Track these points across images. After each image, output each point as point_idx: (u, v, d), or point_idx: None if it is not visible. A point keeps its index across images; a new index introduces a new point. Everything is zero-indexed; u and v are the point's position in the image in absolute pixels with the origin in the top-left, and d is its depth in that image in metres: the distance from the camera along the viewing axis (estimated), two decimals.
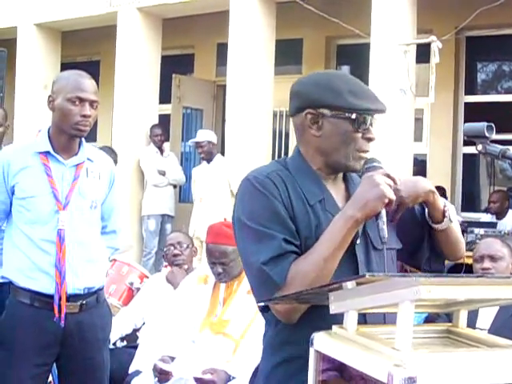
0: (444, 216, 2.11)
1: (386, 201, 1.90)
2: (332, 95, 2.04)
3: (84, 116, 3.18)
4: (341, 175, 2.16)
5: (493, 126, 1.75)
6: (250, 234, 2.01)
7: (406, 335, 1.56)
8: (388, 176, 1.94)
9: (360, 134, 2.04)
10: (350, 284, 1.70)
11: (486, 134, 1.73)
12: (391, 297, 1.60)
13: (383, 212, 1.93)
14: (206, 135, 8.46)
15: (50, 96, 3.27)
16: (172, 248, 4.97)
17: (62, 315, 3.20)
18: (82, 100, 3.18)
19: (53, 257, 3.19)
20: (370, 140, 2.06)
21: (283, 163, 2.15)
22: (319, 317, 1.93)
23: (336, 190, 2.12)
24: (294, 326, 2.02)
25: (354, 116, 2.03)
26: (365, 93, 2.06)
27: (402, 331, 1.56)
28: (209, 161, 8.48)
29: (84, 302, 3.29)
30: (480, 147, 1.74)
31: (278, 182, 2.04)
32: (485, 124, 1.74)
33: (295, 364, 2.01)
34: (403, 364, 1.50)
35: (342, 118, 2.03)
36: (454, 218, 2.11)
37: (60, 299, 3.18)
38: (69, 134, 3.23)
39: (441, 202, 2.10)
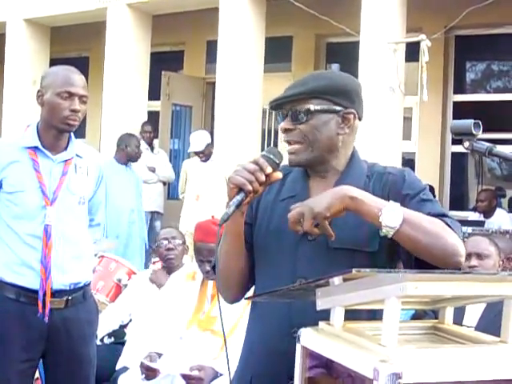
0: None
1: (231, 186, 1.95)
2: None
3: (73, 111, 3.17)
4: (335, 172, 2.14)
5: (480, 123, 1.74)
6: None
7: (392, 331, 1.56)
8: (254, 162, 1.97)
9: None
10: (336, 280, 1.70)
11: (473, 132, 1.73)
12: (378, 293, 1.59)
13: (236, 197, 1.94)
14: (202, 141, 8.25)
15: (39, 91, 3.26)
16: (166, 242, 4.93)
17: (46, 311, 3.19)
18: (71, 94, 3.17)
19: (39, 252, 3.18)
20: (281, 129, 2.13)
21: None
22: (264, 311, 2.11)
23: (321, 189, 2.10)
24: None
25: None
26: (287, 87, 2.14)
27: (388, 327, 1.56)
28: (206, 160, 8.39)
29: (70, 297, 3.28)
30: (467, 144, 1.74)
31: None
32: (472, 121, 1.74)
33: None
34: (389, 360, 1.50)
35: None
36: (395, 223, 1.88)
37: (45, 295, 3.18)
38: (57, 128, 3.22)
39: (374, 207, 1.90)
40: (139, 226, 7.32)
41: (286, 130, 2.11)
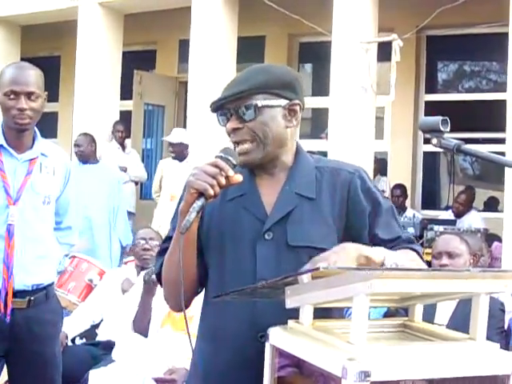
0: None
1: (192, 191, 1.87)
2: None
3: (20, 109, 3.12)
4: (283, 170, 2.09)
5: (448, 120, 1.75)
6: None
7: (361, 329, 1.55)
8: (213, 165, 1.88)
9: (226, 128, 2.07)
10: (305, 278, 1.69)
11: (441, 128, 1.73)
12: (346, 290, 1.59)
13: (196, 203, 1.86)
14: (180, 137, 8.19)
15: None
16: (142, 242, 4.92)
17: (8, 311, 3.16)
18: (16, 93, 3.11)
19: (1, 252, 3.14)
20: (228, 130, 2.06)
21: None
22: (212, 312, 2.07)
23: (269, 186, 2.09)
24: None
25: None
26: (225, 87, 2.08)
27: (357, 325, 1.56)
28: (180, 159, 8.34)
29: (32, 297, 3.24)
30: (435, 141, 1.74)
31: None
32: (440, 118, 1.74)
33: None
34: (357, 358, 1.50)
35: None
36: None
37: (7, 295, 3.14)
38: (12, 128, 3.18)
39: (379, 254, 1.86)
40: (100, 223, 7.12)
41: (233, 130, 2.03)
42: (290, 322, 1.78)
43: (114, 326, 4.30)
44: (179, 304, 1.98)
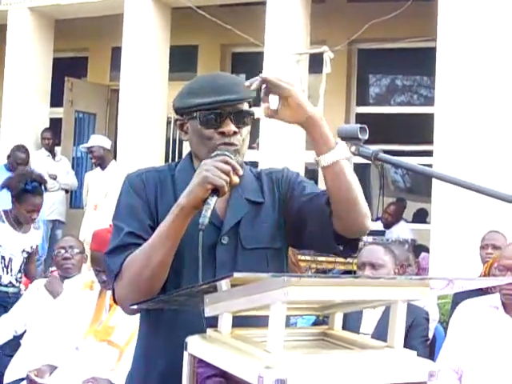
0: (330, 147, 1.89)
1: (209, 186, 1.82)
2: (177, 100, 2.09)
3: None
4: None
5: (366, 127, 1.76)
6: (112, 228, 2.10)
7: (278, 337, 1.54)
8: (225, 162, 1.86)
9: (212, 130, 2.01)
10: (224, 285, 1.67)
11: (359, 136, 1.74)
12: (263, 298, 1.57)
13: (211, 199, 1.83)
14: (97, 140, 8.29)
15: None
16: (63, 251, 4.84)
17: None
18: None
19: None
20: (223, 134, 2.01)
21: (173, 165, 2.17)
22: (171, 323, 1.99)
23: None
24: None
25: (195, 114, 2.03)
26: (206, 88, 2.04)
27: (274, 333, 1.54)
28: (103, 167, 8.30)
29: None
30: (353, 149, 1.75)
31: (147, 181, 2.08)
32: (357, 126, 1.75)
33: None
34: (274, 366, 1.49)
35: (190, 118, 2.05)
36: (347, 153, 1.86)
37: None
38: None
39: (329, 134, 1.90)
40: None
41: (234, 133, 2.00)
42: (209, 331, 1.76)
43: (44, 334, 4.20)
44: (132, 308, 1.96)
